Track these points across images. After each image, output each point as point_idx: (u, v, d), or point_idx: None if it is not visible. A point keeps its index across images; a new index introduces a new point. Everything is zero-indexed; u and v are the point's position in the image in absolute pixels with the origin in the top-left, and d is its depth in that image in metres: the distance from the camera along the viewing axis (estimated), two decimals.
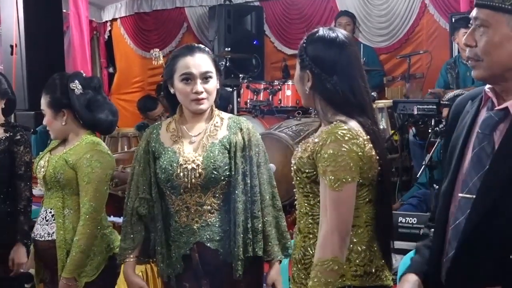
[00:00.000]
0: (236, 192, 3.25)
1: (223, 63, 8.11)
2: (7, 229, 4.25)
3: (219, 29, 8.63)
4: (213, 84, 3.28)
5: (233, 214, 3.25)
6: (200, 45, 3.42)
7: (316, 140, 2.63)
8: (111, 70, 9.67)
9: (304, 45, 2.72)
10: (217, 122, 3.33)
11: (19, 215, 4.21)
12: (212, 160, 3.23)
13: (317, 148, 2.59)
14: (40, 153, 4.00)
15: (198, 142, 3.32)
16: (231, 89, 7.59)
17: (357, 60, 2.76)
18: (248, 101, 7.48)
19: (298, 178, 2.71)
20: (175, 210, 3.34)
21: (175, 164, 3.27)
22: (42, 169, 3.79)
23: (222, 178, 3.24)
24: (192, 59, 3.28)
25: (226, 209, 3.29)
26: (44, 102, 3.79)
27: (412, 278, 2.42)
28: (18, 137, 4.26)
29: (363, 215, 2.68)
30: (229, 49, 8.21)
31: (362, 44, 7.69)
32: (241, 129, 3.26)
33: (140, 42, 9.40)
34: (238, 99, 7.72)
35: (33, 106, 8.02)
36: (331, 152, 2.54)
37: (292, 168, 2.75)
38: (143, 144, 3.44)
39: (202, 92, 3.25)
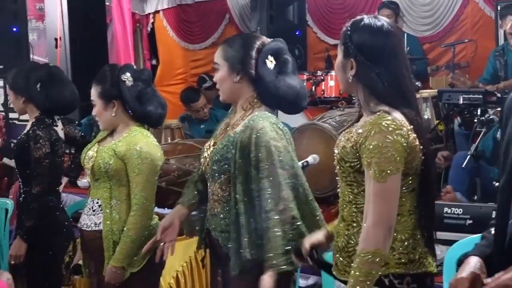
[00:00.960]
0: (236, 190, 3.23)
1: None
2: (46, 222, 4.32)
3: (261, 20, 8.59)
4: (219, 75, 3.32)
5: (235, 212, 3.24)
6: (233, 36, 3.47)
7: (360, 130, 2.62)
8: (154, 62, 9.71)
9: (349, 32, 2.70)
10: (244, 117, 3.31)
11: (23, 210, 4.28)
12: (216, 152, 3.27)
13: (361, 140, 2.59)
14: (88, 144, 4.04)
15: (222, 132, 3.38)
16: None
17: (402, 49, 2.74)
18: None
19: (341, 167, 2.71)
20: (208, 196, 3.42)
21: (203, 150, 3.41)
22: (91, 160, 3.81)
23: (222, 172, 3.26)
24: None
25: (233, 203, 3.27)
26: (94, 92, 3.82)
27: (473, 260, 2.41)
28: (31, 132, 4.32)
29: (407, 204, 2.68)
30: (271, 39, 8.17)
31: (406, 34, 7.62)
32: (252, 128, 3.19)
33: (183, 34, 9.42)
34: None
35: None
36: (376, 143, 2.54)
37: (335, 157, 2.74)
38: None
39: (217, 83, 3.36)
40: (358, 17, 2.73)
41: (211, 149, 3.33)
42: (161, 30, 9.65)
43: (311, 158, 4.43)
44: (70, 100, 4.46)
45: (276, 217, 3.09)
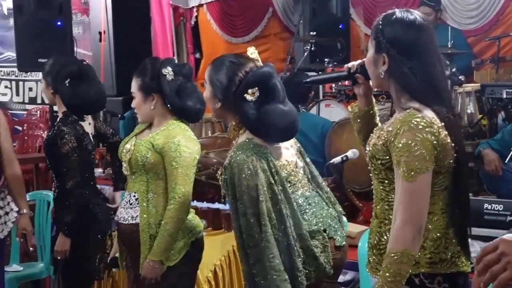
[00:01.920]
0: None
1: (308, 47, 8.06)
2: (81, 215, 4.35)
3: (304, 13, 8.57)
4: (204, 94, 3.39)
5: None
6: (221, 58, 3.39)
7: (390, 128, 2.59)
8: (197, 55, 9.73)
9: (380, 27, 2.66)
10: (233, 141, 3.34)
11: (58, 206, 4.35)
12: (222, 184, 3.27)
13: (390, 137, 2.56)
14: (126, 137, 4.06)
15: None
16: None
17: (435, 43, 2.69)
18: (333, 85, 7.40)
19: (373, 164, 2.68)
20: None
21: None
22: (128, 153, 3.83)
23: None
24: None
25: None
26: (135, 85, 3.84)
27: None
28: (56, 128, 4.36)
29: (439, 202, 2.63)
30: (314, 33, 8.15)
31: (449, 27, 7.51)
32: (229, 164, 3.18)
33: (226, 27, 9.43)
34: (323, 84, 7.63)
35: (121, 92, 8.14)
36: (405, 141, 2.51)
37: (366, 154, 2.73)
38: None
39: None
40: (390, 11, 2.69)
41: (221, 171, 3.31)
42: (205, 23, 9.67)
43: (351, 153, 4.41)
44: (96, 99, 4.45)
45: (254, 254, 3.10)
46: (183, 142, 3.75)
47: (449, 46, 6.74)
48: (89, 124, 4.50)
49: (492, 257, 1.90)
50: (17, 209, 4.56)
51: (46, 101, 4.57)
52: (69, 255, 4.33)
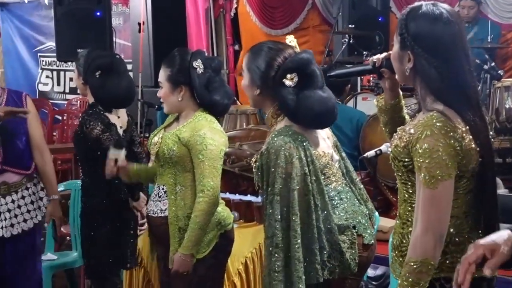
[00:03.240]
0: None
1: (346, 40, 8.01)
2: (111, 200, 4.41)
3: (343, 5, 8.52)
4: (242, 82, 3.35)
5: None
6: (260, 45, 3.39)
7: (412, 130, 2.50)
8: (236, 47, 9.72)
9: (405, 22, 2.56)
10: (270, 128, 3.32)
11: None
12: (255, 171, 3.25)
13: (413, 141, 2.47)
14: (155, 130, 4.06)
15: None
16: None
17: (462, 39, 2.57)
18: (371, 79, 7.35)
19: (395, 166, 2.60)
20: None
21: None
22: (155, 146, 3.82)
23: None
24: None
25: None
26: (163, 75, 3.81)
27: (504, 232, 2.20)
28: (81, 119, 4.38)
29: (462, 205, 2.56)
30: (353, 25, 8.10)
31: (489, 21, 7.40)
32: (266, 150, 3.17)
33: (265, 19, 9.40)
34: (361, 77, 7.58)
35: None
36: (426, 146, 2.42)
37: (390, 155, 2.65)
38: None
39: None
40: (416, 4, 2.58)
41: (254, 166, 3.30)
42: (244, 15, 9.65)
43: (385, 146, 4.38)
44: (123, 93, 4.44)
45: (269, 246, 3.10)
46: (208, 135, 3.72)
47: (489, 40, 6.64)
48: (118, 117, 4.51)
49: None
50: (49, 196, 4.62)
51: (78, 91, 4.59)
52: (99, 242, 4.38)
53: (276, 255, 3.05)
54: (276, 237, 3.05)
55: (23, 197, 4.51)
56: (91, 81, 4.40)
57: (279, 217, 3.06)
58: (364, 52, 7.69)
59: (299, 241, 3.07)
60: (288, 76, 3.16)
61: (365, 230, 3.28)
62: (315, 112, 3.16)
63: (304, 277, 3.09)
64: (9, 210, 4.43)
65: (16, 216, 4.47)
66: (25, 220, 4.50)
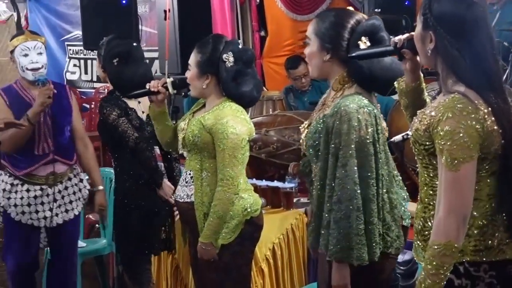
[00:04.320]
0: (315, 176, 3.22)
1: None
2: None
3: None
4: (308, 50, 3.25)
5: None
6: (328, 9, 3.39)
7: (433, 113, 2.47)
8: (262, 33, 9.67)
9: (429, 2, 2.53)
10: (334, 98, 3.24)
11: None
12: (309, 137, 3.22)
13: (434, 123, 2.45)
14: (184, 115, 4.08)
15: (318, 110, 3.30)
16: None
17: (486, 21, 2.55)
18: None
19: (416, 149, 2.59)
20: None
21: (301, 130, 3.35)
22: (182, 131, 3.86)
23: (316, 156, 3.19)
24: None
25: None
26: (193, 58, 3.84)
27: None
28: (99, 105, 4.47)
29: (485, 188, 2.53)
30: (379, 10, 8.02)
31: None
32: (338, 114, 3.09)
33: (291, 5, 9.33)
34: None
35: (185, 70, 8.14)
36: (448, 129, 2.40)
37: (410, 139, 2.63)
38: None
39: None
40: None
41: (306, 131, 3.28)
42: (270, 1, 9.56)
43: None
44: (140, 80, 4.47)
45: (342, 209, 3.02)
46: (231, 123, 3.74)
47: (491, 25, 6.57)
48: (139, 102, 4.53)
49: None
50: (89, 186, 4.69)
51: (94, 85, 4.69)
52: (129, 227, 4.40)
53: (358, 218, 3.01)
54: (357, 200, 3.01)
55: (66, 188, 4.62)
56: (109, 69, 4.49)
57: (357, 180, 3.03)
58: (390, 36, 7.60)
59: (375, 205, 3.05)
60: (363, 38, 3.12)
61: (404, 213, 3.27)
62: (385, 79, 3.14)
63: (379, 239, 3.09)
64: (55, 200, 4.53)
65: (59, 206, 4.56)
66: (67, 211, 4.59)
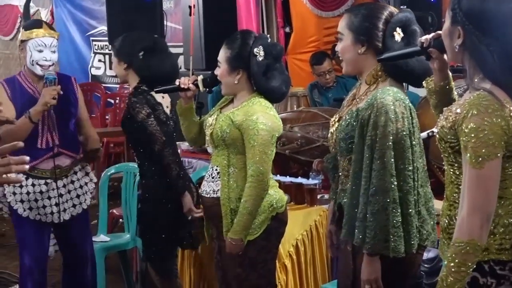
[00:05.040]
0: (343, 170, 3.25)
1: None
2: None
3: None
4: (342, 46, 3.23)
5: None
6: (359, 4, 3.38)
7: (458, 110, 2.47)
8: (287, 30, 9.66)
9: None
10: (367, 91, 3.22)
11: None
12: (341, 130, 3.20)
13: (459, 120, 2.44)
14: (211, 110, 4.08)
15: (348, 105, 3.29)
16: None
17: None
18: None
19: (442, 147, 2.58)
20: (339, 168, 3.36)
21: (331, 124, 3.35)
22: (210, 127, 3.86)
23: (350, 149, 3.18)
24: None
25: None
26: (223, 55, 3.85)
27: None
28: (128, 101, 4.44)
29: (511, 187, 2.50)
30: (405, 6, 7.98)
31: None
32: (373, 106, 3.09)
33: (316, 1, 9.31)
34: None
35: (210, 66, 8.15)
36: (473, 126, 2.39)
37: (436, 136, 2.63)
38: None
39: (338, 52, 3.29)
40: None
41: (336, 125, 3.27)
42: None
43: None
44: (169, 71, 4.53)
45: (379, 201, 3.02)
46: (261, 120, 3.74)
47: None
48: (163, 97, 4.53)
49: None
50: (95, 179, 4.68)
51: (119, 80, 4.63)
52: (156, 221, 4.42)
53: (394, 210, 3.02)
54: (393, 192, 3.01)
55: (72, 182, 4.59)
56: (136, 63, 4.45)
57: (394, 172, 3.03)
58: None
59: (412, 197, 3.06)
60: (398, 29, 3.14)
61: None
62: (416, 72, 3.15)
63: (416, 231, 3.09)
64: (60, 195, 4.50)
65: (66, 201, 4.54)
66: (74, 205, 4.56)
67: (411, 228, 3.06)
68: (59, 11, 12.31)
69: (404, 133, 3.05)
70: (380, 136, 3.04)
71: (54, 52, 4.53)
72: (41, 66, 4.49)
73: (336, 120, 3.30)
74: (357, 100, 3.24)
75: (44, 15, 12.34)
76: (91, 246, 4.89)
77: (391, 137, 3.02)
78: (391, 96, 3.09)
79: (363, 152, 3.11)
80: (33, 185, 4.50)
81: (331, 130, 3.33)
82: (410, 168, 3.05)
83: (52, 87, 4.39)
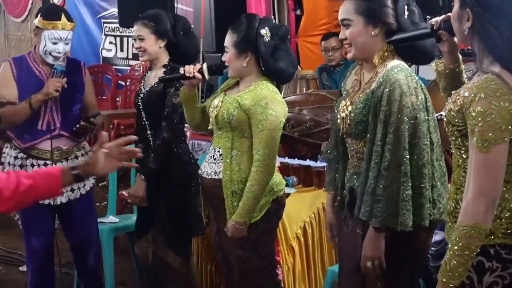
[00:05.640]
0: (356, 153, 3.26)
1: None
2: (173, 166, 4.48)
3: None
4: (352, 31, 3.20)
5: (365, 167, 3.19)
6: None
7: (466, 93, 2.45)
8: (298, 12, 9.64)
9: None
10: (378, 72, 3.21)
11: (150, 151, 4.35)
12: (357, 113, 3.19)
13: (466, 104, 2.42)
14: (215, 92, 4.08)
15: (361, 91, 3.29)
16: None
17: None
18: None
19: (449, 130, 2.57)
20: (350, 154, 3.37)
21: (339, 109, 3.33)
22: (215, 109, 3.86)
23: (362, 133, 3.19)
24: (341, 6, 3.27)
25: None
26: (229, 39, 3.84)
27: None
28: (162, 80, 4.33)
29: None
30: None
31: None
32: (386, 82, 3.09)
33: None
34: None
35: (220, 48, 8.09)
36: (480, 109, 2.37)
37: (444, 120, 2.61)
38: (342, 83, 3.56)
39: (344, 40, 3.24)
40: None
41: (349, 109, 3.26)
42: None
43: None
44: (196, 52, 4.63)
45: (392, 175, 3.04)
46: (270, 105, 3.75)
47: None
48: None
49: None
50: None
51: (145, 57, 4.59)
52: (171, 209, 4.46)
53: (405, 184, 3.03)
54: (405, 165, 3.03)
55: None
56: (175, 41, 4.52)
57: (407, 146, 3.04)
58: (428, 16, 7.53)
59: (427, 170, 3.07)
60: (405, 7, 3.16)
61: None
62: (427, 46, 3.17)
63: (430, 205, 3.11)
64: None
65: None
66: (72, 190, 4.55)
67: (425, 202, 3.08)
68: None
69: (420, 107, 3.07)
70: (395, 110, 3.04)
71: (67, 44, 4.56)
72: (53, 56, 4.50)
73: (348, 104, 3.29)
74: (370, 82, 3.24)
75: None
76: (95, 229, 4.90)
77: (405, 111, 3.03)
78: (403, 72, 3.11)
79: (375, 130, 3.12)
80: (32, 165, 4.50)
81: (343, 115, 3.31)
82: (425, 142, 3.07)
83: (57, 79, 4.42)
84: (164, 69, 4.49)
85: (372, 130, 3.14)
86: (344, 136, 3.37)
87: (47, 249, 4.65)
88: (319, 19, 9.32)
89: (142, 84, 4.68)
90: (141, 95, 4.60)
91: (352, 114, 3.23)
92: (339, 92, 3.55)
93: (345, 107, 3.30)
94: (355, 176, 3.31)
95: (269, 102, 3.76)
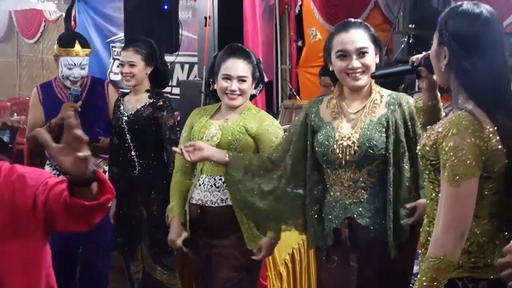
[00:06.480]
0: (389, 173, 3.28)
1: (406, 39, 8.05)
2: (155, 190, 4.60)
3: (405, 5, 8.50)
4: (370, 59, 3.32)
5: (387, 195, 3.26)
6: (357, 20, 3.49)
7: (440, 129, 2.52)
8: (300, 43, 9.78)
9: (445, 19, 2.57)
10: (376, 99, 3.35)
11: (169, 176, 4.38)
12: (367, 139, 3.26)
13: (439, 139, 2.49)
14: (198, 121, 4.05)
15: (356, 119, 3.35)
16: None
17: (501, 40, 2.59)
18: None
19: (423, 164, 2.64)
20: (330, 184, 3.41)
21: (331, 140, 3.35)
22: (215, 137, 3.87)
23: (377, 156, 3.26)
24: (347, 36, 3.35)
25: (380, 188, 3.29)
26: (248, 70, 3.93)
27: None
28: (161, 103, 4.59)
29: (488, 206, 2.57)
30: (413, 25, 8.11)
31: None
32: (400, 105, 3.23)
33: (328, 17, 9.42)
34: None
35: None
36: (452, 144, 2.44)
37: (418, 154, 2.68)
38: (301, 117, 3.57)
39: (357, 68, 3.30)
40: (458, 3, 2.60)
41: (356, 136, 3.32)
42: (308, 12, 9.69)
43: None
44: (169, 79, 5.14)
45: None
46: (275, 123, 3.94)
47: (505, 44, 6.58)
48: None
49: None
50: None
51: (132, 82, 4.77)
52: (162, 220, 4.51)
53: None
54: None
55: None
56: (164, 68, 4.84)
57: None
58: (424, 52, 7.67)
59: None
60: None
61: None
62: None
63: None
64: None
65: None
66: None
67: None
68: (81, 17, 12.54)
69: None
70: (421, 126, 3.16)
71: (83, 69, 4.83)
72: (70, 81, 4.85)
73: (353, 132, 3.33)
74: (369, 110, 3.37)
75: None
76: (109, 238, 5.00)
77: None
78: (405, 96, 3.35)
79: (400, 152, 3.27)
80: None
81: (345, 144, 3.34)
82: None
83: (70, 103, 4.74)
84: (148, 94, 4.72)
85: (397, 153, 3.27)
86: (337, 167, 3.38)
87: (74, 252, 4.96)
88: (320, 51, 9.42)
89: (122, 108, 4.80)
90: (125, 118, 4.72)
91: (360, 141, 3.30)
92: (304, 128, 3.56)
93: (349, 134, 3.33)
94: (354, 207, 3.35)
95: (273, 121, 3.97)
